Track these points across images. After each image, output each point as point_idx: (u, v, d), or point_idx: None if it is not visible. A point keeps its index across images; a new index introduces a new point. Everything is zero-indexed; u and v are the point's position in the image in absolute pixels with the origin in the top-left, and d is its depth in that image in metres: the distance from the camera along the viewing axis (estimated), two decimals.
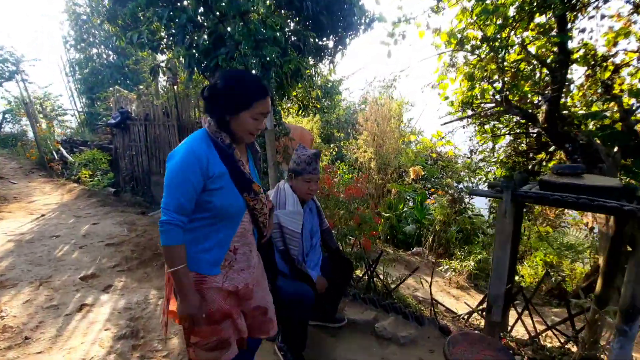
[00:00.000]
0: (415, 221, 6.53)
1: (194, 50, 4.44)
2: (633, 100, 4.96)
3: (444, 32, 5.67)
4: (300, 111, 7.70)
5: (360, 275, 3.05)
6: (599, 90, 5.53)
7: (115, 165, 6.83)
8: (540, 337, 2.40)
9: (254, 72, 2.66)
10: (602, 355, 2.11)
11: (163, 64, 5.46)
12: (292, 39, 5.05)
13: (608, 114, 4.77)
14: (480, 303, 2.73)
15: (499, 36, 4.82)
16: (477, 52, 5.54)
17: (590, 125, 5.37)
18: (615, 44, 5.28)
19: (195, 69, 4.42)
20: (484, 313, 2.81)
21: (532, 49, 5.08)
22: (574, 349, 2.22)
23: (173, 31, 4.54)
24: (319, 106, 8.03)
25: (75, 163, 6.70)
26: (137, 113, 6.53)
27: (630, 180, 4.24)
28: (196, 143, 1.30)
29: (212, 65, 4.41)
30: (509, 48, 5.08)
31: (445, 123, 6.24)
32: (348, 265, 2.36)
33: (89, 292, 2.72)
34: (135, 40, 4.35)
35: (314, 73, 7.77)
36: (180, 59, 4.68)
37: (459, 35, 5.54)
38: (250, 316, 1.48)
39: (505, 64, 5.04)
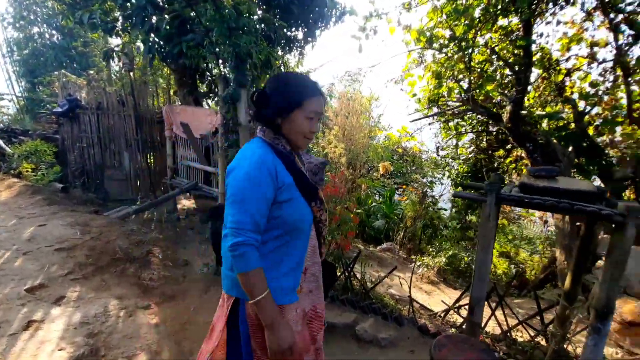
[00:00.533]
0: (384, 216, 6.64)
1: (154, 35, 4.08)
2: (582, 103, 5.34)
3: (414, 30, 5.72)
4: None
5: (338, 276, 3.00)
6: (553, 93, 5.92)
7: (62, 157, 6.18)
8: (511, 331, 2.50)
9: (228, 62, 2.46)
10: (568, 347, 2.24)
11: (118, 48, 4.97)
12: (262, 28, 4.83)
13: (564, 115, 5.10)
14: (457, 301, 2.81)
15: (466, 36, 4.94)
16: (444, 50, 5.66)
17: (544, 124, 5.74)
18: (568, 49, 5.63)
19: (156, 55, 4.07)
20: (459, 310, 2.90)
21: (497, 51, 5.27)
22: (543, 342, 2.34)
23: (130, 12, 4.14)
24: None
25: (14, 155, 5.97)
26: (88, 101, 5.93)
27: (582, 178, 4.57)
28: (261, 151, 1.16)
29: (176, 53, 4.09)
30: (475, 48, 5.24)
31: (414, 120, 6.36)
32: (332, 269, 2.28)
33: (38, 305, 2.40)
34: (85, 20, 3.91)
35: (281, 64, 7.56)
36: (139, 43, 4.28)
37: (429, 34, 5.61)
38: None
39: (472, 63, 5.20)
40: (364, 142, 6.94)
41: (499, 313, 2.64)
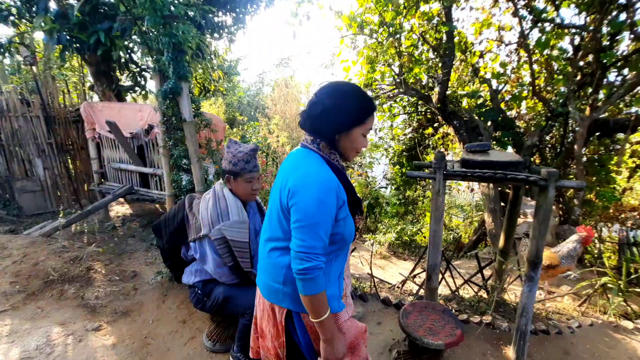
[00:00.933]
0: None
1: (63, 24, 3.56)
2: (495, 82, 6.02)
3: (345, 16, 5.83)
4: (201, 95, 7.06)
5: None
6: (470, 74, 6.57)
7: None
8: (459, 290, 2.82)
9: (165, 53, 2.26)
10: (505, 296, 2.61)
11: (15, 39, 4.24)
12: (190, 13, 4.50)
13: (482, 94, 5.70)
14: (412, 271, 3.07)
15: (395, 22, 5.18)
16: (375, 36, 5.89)
17: (465, 103, 6.37)
18: (480, 33, 6.24)
19: (68, 46, 3.57)
20: (415, 278, 3.17)
21: (423, 36, 5.62)
22: (485, 295, 2.68)
23: None
24: (222, 89, 7.47)
25: None
26: None
27: (500, 149, 5.20)
28: (325, 170, 1.15)
29: (93, 43, 3.64)
30: (402, 34, 5.54)
31: None
32: None
33: None
34: None
35: (212, 53, 7.16)
36: (39, 33, 3.72)
37: (359, 20, 5.77)
38: None
39: (402, 48, 5.50)
40: None
41: (447, 276, 2.95)
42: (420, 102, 7.01)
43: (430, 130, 7.53)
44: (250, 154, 1.88)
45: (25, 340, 2.17)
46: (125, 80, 5.79)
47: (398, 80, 5.71)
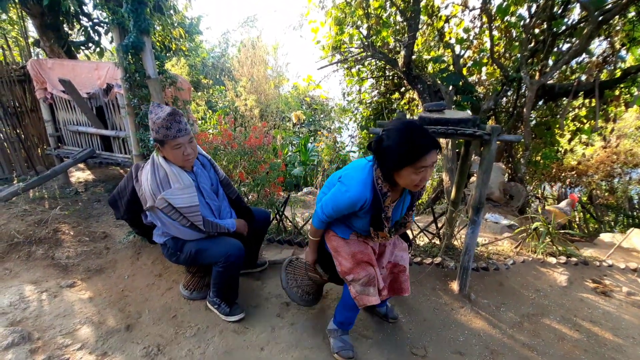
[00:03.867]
0: (301, 163, 6.95)
1: None
2: (458, 47, 6.21)
3: None
4: (162, 53, 6.68)
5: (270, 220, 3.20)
6: (435, 38, 6.70)
7: None
8: (415, 238, 3.13)
9: (124, 4, 2.16)
10: (455, 242, 2.94)
11: None
12: None
13: (445, 59, 5.88)
14: None
15: None
16: None
17: (430, 68, 6.55)
18: None
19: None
20: None
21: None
22: (438, 242, 3.00)
23: None
24: (184, 48, 7.08)
25: None
26: None
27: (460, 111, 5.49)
28: (360, 187, 1.49)
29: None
30: None
31: (321, 68, 6.52)
32: (250, 213, 2.29)
33: None
34: None
35: (171, 8, 6.69)
36: None
37: None
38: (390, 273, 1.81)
39: (370, 9, 5.47)
40: (273, 92, 6.89)
41: None
42: (387, 67, 7.11)
43: (397, 95, 7.71)
44: (168, 118, 1.76)
45: None
46: (76, 36, 5.34)
47: (366, 43, 5.73)
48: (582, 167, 6.29)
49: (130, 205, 2.02)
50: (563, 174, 6.57)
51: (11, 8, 5.92)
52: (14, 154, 5.16)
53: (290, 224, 3.18)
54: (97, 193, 4.49)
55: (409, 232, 3.13)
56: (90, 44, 5.25)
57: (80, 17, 4.94)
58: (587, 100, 5.43)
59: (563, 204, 4.06)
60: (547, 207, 4.35)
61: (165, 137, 1.77)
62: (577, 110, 5.82)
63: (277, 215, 3.14)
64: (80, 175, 5.38)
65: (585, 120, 5.63)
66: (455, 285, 2.40)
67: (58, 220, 3.18)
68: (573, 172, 6.37)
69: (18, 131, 5.16)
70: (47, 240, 2.85)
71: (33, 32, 6.67)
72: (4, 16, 6.49)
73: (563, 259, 2.79)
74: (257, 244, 2.52)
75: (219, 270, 2.01)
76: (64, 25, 4.91)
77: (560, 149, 6.09)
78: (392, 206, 1.58)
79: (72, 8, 4.39)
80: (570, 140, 6.02)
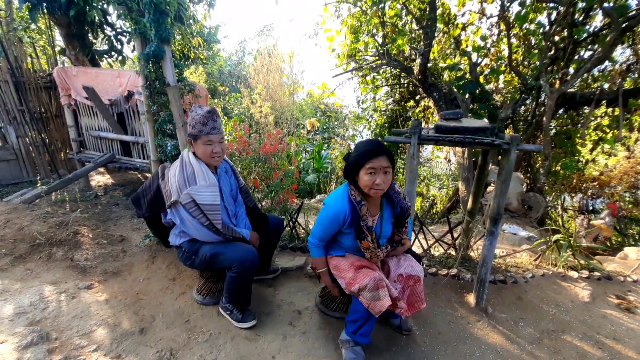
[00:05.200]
0: (315, 170, 6.96)
1: None
2: (475, 55, 6.14)
3: None
4: (181, 61, 6.84)
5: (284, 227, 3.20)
6: (452, 46, 6.65)
7: None
8: (430, 249, 3.07)
9: (146, 14, 2.24)
10: (471, 253, 2.87)
11: None
12: None
13: (461, 66, 5.82)
14: None
15: None
16: (359, 4, 5.82)
17: (446, 75, 6.49)
18: (463, 4, 6.27)
19: (37, 5, 3.40)
20: None
21: (406, 5, 5.59)
22: (454, 252, 2.94)
23: None
24: (202, 56, 7.25)
25: None
26: None
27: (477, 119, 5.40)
28: (339, 201, 1.72)
29: (65, 2, 3.48)
30: (387, 3, 5.50)
31: (335, 75, 6.55)
32: (265, 220, 2.35)
33: None
34: None
35: (190, 18, 6.88)
36: None
37: None
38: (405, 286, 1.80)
39: (386, 18, 5.48)
40: (287, 99, 6.95)
41: (420, 237, 3.18)
42: (402, 75, 7.08)
43: (411, 103, 7.66)
44: (206, 115, 1.90)
45: (17, 298, 2.25)
46: (100, 44, 5.54)
47: (381, 51, 5.73)
48: (605, 178, 6.06)
49: (153, 203, 2.08)
50: (584, 185, 6.35)
51: (40, 18, 6.20)
52: (38, 157, 5.36)
53: (303, 231, 3.18)
54: (115, 197, 4.60)
55: (417, 248, 3.09)
56: (113, 53, 5.45)
57: (105, 26, 5.13)
58: (609, 109, 5.26)
59: (605, 217, 3.99)
60: (592, 222, 4.25)
61: (199, 132, 1.89)
62: (599, 119, 5.64)
63: (290, 222, 3.14)
64: (100, 179, 5.54)
65: (608, 130, 5.44)
66: (471, 298, 2.34)
67: (78, 223, 3.27)
68: (595, 183, 6.14)
69: (43, 136, 5.36)
70: (67, 242, 2.93)
71: (59, 41, 6.96)
72: (33, 26, 6.80)
73: (585, 273, 2.68)
74: (270, 251, 2.52)
75: (233, 276, 2.02)
76: (89, 35, 5.11)
77: (581, 158, 5.90)
78: (374, 220, 1.75)
79: (97, 18, 4.57)
80: (592, 150, 5.83)
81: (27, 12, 4.03)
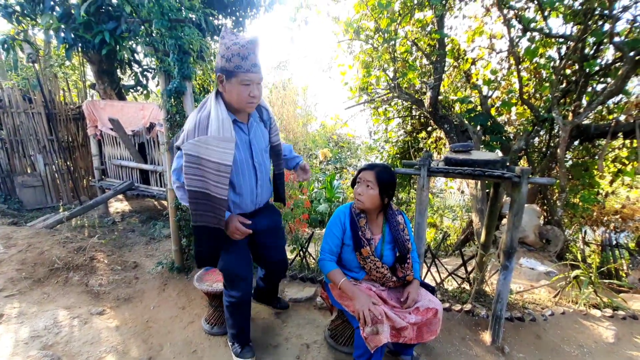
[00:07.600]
0: (326, 200, 6.98)
1: (68, 23, 3.71)
2: (485, 88, 6.24)
3: (342, 21, 6.03)
4: (201, 95, 7.20)
5: (294, 257, 3.20)
6: (462, 79, 6.79)
7: None
8: (443, 282, 2.99)
9: (171, 54, 2.42)
10: (486, 288, 2.78)
11: (19, 36, 4.37)
12: (192, 16, 4.67)
13: (472, 99, 5.91)
14: None
15: (389, 28, 5.38)
16: (370, 42, 6.09)
17: (457, 108, 6.58)
18: (472, 40, 6.47)
19: (73, 45, 3.71)
20: None
21: (416, 42, 5.82)
22: (467, 286, 2.85)
23: None
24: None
25: None
26: None
27: (488, 151, 5.40)
28: (341, 210, 1.91)
29: (97, 42, 3.79)
30: (397, 40, 5.75)
31: (348, 107, 6.74)
32: (282, 200, 2.08)
33: None
34: None
35: (212, 55, 7.31)
36: (50, 32, 3.87)
37: (355, 25, 5.97)
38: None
39: (396, 54, 5.70)
40: (302, 131, 7.14)
41: (433, 270, 3.11)
42: (414, 107, 7.22)
43: (423, 134, 7.74)
44: (247, 47, 1.45)
45: (33, 322, 2.30)
46: (127, 80, 5.93)
47: (392, 84, 5.90)
48: (628, 211, 5.84)
49: None
50: (606, 218, 6.12)
51: (74, 55, 6.73)
52: (62, 184, 5.61)
53: (313, 260, 3.16)
54: (132, 223, 4.72)
55: (430, 281, 3.02)
56: (138, 87, 5.81)
57: (132, 64, 5.52)
58: (627, 141, 5.18)
59: None
60: None
61: (237, 67, 1.45)
62: (617, 150, 5.54)
63: (301, 252, 3.13)
64: (118, 205, 5.71)
65: (627, 162, 5.32)
66: (487, 336, 2.24)
67: (95, 249, 3.36)
68: (617, 216, 5.92)
69: (68, 163, 5.64)
70: (83, 267, 3.00)
71: (90, 76, 7.48)
72: (67, 62, 7.36)
73: (609, 311, 2.54)
74: (274, 285, 2.47)
75: (226, 305, 1.93)
76: (118, 71, 5.49)
77: (601, 191, 5.74)
78: (374, 238, 1.80)
79: (126, 56, 4.92)
80: (611, 182, 5.68)
81: (64, 51, 4.38)
